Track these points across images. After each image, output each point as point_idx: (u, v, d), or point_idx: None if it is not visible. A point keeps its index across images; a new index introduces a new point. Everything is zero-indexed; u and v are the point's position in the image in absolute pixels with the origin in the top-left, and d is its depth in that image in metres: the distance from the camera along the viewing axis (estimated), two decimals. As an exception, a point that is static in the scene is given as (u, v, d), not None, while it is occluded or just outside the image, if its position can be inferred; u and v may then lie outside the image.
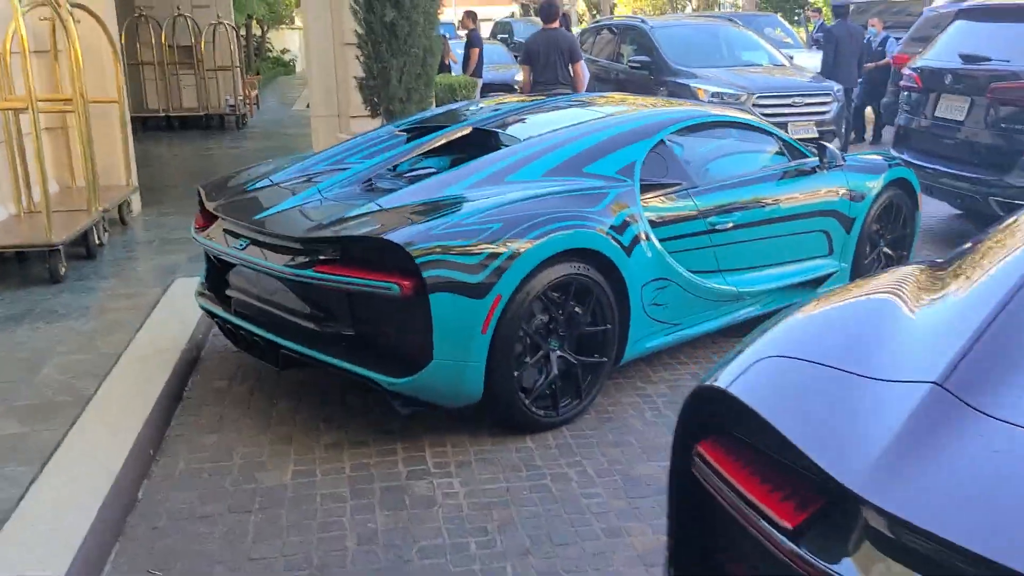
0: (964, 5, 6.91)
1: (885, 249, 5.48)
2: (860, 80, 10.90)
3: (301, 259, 3.55)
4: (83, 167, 6.61)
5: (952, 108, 6.30)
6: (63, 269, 5.80)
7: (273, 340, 3.68)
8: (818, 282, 5.02)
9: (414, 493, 3.24)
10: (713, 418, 1.58)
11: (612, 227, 3.80)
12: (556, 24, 8.52)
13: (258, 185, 4.26)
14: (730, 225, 4.45)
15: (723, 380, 1.55)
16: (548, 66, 8.50)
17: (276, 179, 4.31)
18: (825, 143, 5.21)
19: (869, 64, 11.33)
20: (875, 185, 5.25)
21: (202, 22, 15.38)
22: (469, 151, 4.75)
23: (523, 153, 4.00)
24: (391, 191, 3.87)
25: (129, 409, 3.78)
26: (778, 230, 4.72)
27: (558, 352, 3.70)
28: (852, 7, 11.58)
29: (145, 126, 14.14)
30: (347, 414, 3.92)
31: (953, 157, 6.25)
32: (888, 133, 10.42)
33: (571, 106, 4.96)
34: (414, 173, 4.36)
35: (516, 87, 11.87)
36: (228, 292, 4.15)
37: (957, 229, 7.25)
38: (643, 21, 11.22)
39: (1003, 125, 5.87)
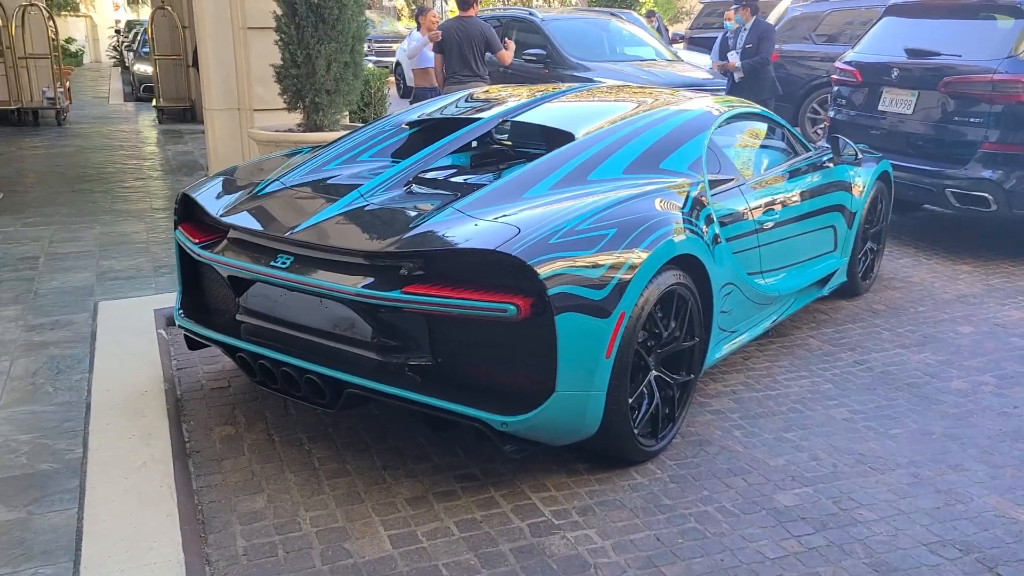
0: (891, 2, 7.08)
1: (869, 243, 5.46)
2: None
3: (378, 278, 2.92)
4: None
5: (898, 102, 6.42)
6: (-51, 296, 4.70)
7: (333, 377, 3.02)
8: (824, 281, 4.90)
9: (555, 554, 2.72)
10: None
11: (701, 229, 3.44)
12: (472, 12, 8.03)
13: (270, 190, 3.54)
14: (771, 223, 4.21)
15: None
16: (461, 57, 8.01)
17: (289, 182, 3.60)
18: (838, 136, 5.10)
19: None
20: (870, 178, 5.21)
21: (9, 4, 13.54)
22: (507, 147, 4.28)
23: (595, 149, 3.54)
24: (462, 194, 3.29)
25: (144, 474, 3.00)
26: (804, 227, 4.54)
27: (654, 372, 3.29)
28: None
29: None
30: (403, 456, 3.32)
31: (902, 150, 6.37)
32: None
33: (586, 97, 4.53)
34: (457, 173, 3.80)
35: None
36: (240, 317, 3.41)
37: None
38: (532, 13, 10.91)
39: (956, 118, 6.03)
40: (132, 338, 4.30)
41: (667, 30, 16.91)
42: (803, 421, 3.70)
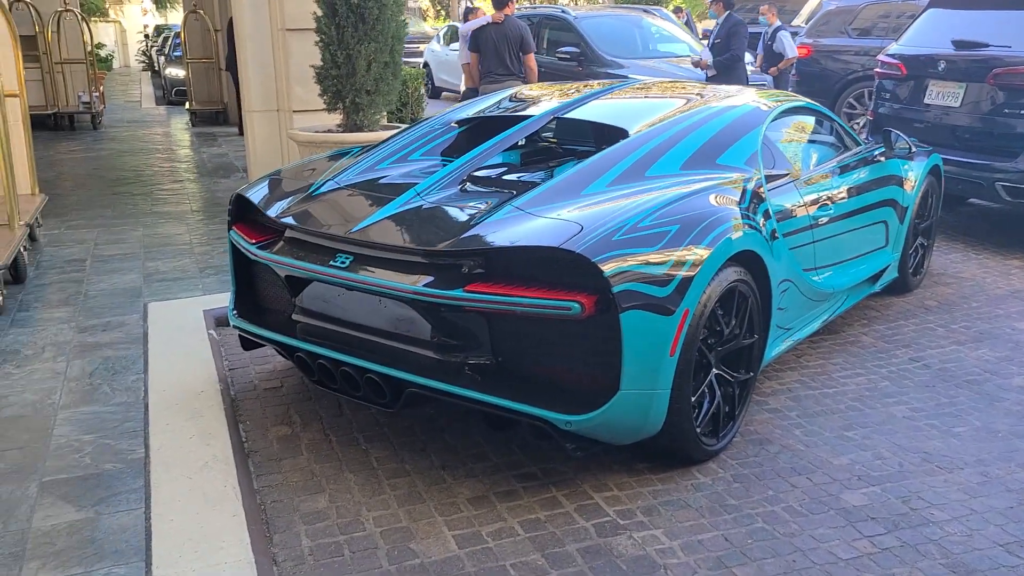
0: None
1: (920, 239, 5.37)
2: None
3: (439, 276, 2.91)
4: (2, 174, 5.48)
5: (945, 94, 6.32)
6: (2, 298, 4.75)
7: (395, 376, 3.01)
8: (876, 277, 4.82)
9: (623, 554, 2.69)
10: None
11: (759, 224, 3.39)
12: (508, 11, 8.00)
13: (325, 189, 3.53)
14: (826, 219, 4.15)
15: None
16: (497, 56, 7.99)
17: (343, 181, 3.60)
18: (890, 129, 5.03)
19: (773, 69, 11.36)
20: (921, 173, 5.13)
21: (45, 10, 13.72)
22: (554, 144, 4.26)
23: (651, 145, 3.51)
24: (518, 192, 3.27)
25: (207, 474, 3.00)
26: (857, 222, 4.47)
27: (715, 371, 3.25)
28: None
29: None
30: (461, 455, 3.30)
31: (949, 143, 6.27)
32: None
33: (634, 93, 4.49)
34: (509, 171, 3.78)
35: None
36: (296, 316, 3.40)
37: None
38: (564, 11, 10.88)
39: (1007, 111, 5.92)
40: (184, 339, 4.32)
41: (695, 26, 16.81)
42: (863, 419, 3.64)
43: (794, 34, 12.63)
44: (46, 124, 13.31)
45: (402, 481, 3.12)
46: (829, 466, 3.24)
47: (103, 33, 34.73)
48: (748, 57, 10.92)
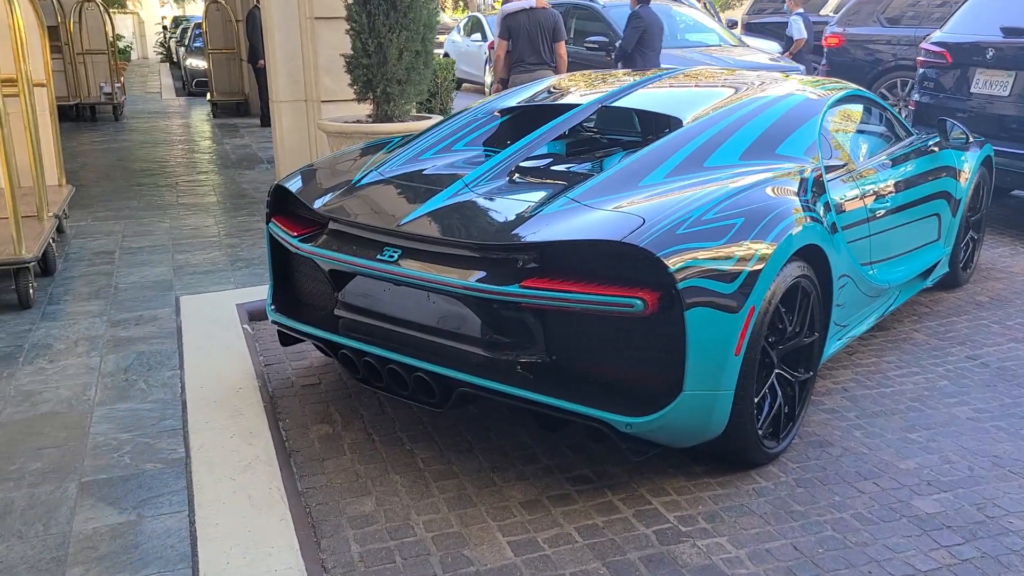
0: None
1: (971, 232, 5.21)
2: None
3: (493, 271, 2.78)
4: (31, 164, 5.39)
5: (993, 83, 6.13)
6: (33, 291, 4.66)
7: (446, 375, 2.89)
8: (928, 272, 4.66)
9: (688, 563, 2.56)
10: None
11: (821, 217, 3.24)
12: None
13: (368, 180, 3.41)
14: (882, 211, 3.99)
15: None
16: (530, 44, 7.83)
17: (387, 172, 3.48)
18: (946, 119, 4.86)
19: (787, 54, 11.21)
20: (974, 164, 4.96)
21: (67, 1, 13.69)
22: (597, 134, 4.13)
23: (708, 135, 3.36)
24: (571, 183, 3.14)
25: (251, 475, 2.89)
26: (911, 215, 4.31)
27: (776, 370, 3.11)
28: None
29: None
30: (509, 457, 3.18)
31: (996, 134, 6.08)
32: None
33: (682, 82, 4.34)
34: (555, 161, 3.65)
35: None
36: (339, 312, 3.29)
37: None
38: (593, 0, 10.70)
39: (1059, 100, 5.73)
40: (218, 333, 4.21)
41: (719, 16, 16.57)
42: (925, 421, 3.49)
43: (824, 23, 12.44)
44: (68, 115, 13.26)
45: (450, 483, 3.01)
46: (895, 470, 3.10)
47: (121, 24, 34.78)
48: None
